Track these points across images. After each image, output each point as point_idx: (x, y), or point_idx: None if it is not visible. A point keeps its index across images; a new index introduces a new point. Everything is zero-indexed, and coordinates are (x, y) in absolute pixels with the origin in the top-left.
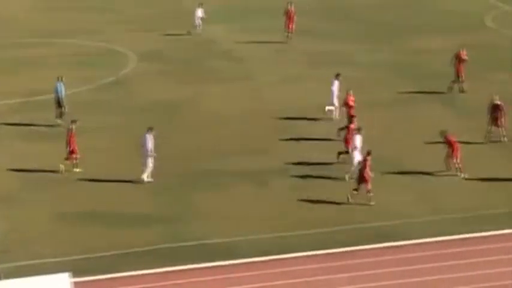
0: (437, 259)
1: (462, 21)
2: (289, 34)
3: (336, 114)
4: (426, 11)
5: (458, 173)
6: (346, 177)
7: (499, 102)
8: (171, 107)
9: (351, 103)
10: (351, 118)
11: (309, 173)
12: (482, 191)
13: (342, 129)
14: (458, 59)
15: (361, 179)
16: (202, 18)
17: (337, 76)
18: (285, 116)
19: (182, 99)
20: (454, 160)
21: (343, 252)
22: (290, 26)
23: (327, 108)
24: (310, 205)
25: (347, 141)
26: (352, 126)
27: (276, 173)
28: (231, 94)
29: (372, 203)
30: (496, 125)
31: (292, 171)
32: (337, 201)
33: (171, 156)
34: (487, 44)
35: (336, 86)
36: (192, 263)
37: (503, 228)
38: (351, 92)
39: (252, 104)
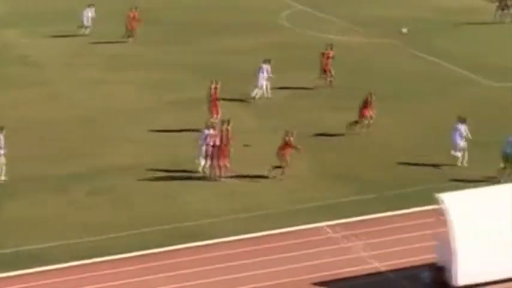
0: (244, 256)
1: (259, 21)
2: (131, 35)
3: (257, 95)
4: (225, 11)
5: (278, 174)
6: (200, 169)
7: (369, 97)
8: None
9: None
10: (214, 110)
11: (113, 176)
12: (285, 188)
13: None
14: (326, 57)
15: (220, 153)
16: (93, 18)
17: (268, 61)
18: (88, 120)
19: None
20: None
21: (154, 253)
22: (133, 28)
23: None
24: (114, 208)
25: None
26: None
27: (79, 178)
28: (30, 100)
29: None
30: (361, 116)
31: (96, 176)
32: (142, 202)
33: None
34: (283, 42)
35: (264, 70)
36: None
37: (306, 224)
38: (215, 80)
39: (53, 109)
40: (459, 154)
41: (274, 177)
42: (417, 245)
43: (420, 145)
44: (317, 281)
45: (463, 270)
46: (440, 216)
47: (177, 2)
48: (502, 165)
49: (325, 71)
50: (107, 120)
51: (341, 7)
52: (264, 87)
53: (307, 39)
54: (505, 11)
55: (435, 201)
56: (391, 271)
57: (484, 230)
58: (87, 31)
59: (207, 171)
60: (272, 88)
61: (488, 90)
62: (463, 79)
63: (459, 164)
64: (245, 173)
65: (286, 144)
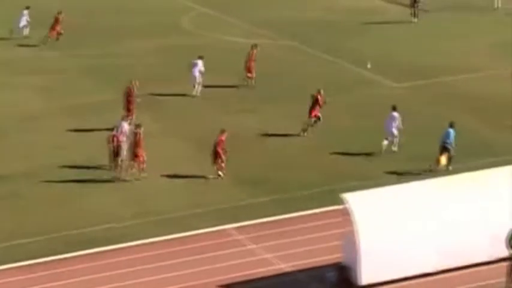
0: (151, 260)
1: (161, 24)
2: (50, 39)
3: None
4: (127, 14)
5: (220, 173)
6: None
7: (316, 94)
8: None
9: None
10: (129, 108)
11: (16, 182)
12: (191, 191)
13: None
14: (250, 57)
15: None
16: (27, 21)
17: (201, 57)
18: None
19: None
20: (219, 160)
21: (54, 260)
22: (54, 33)
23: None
24: (19, 215)
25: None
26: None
27: None
28: None
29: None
30: (309, 116)
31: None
32: (47, 208)
33: None
34: (186, 45)
35: (198, 66)
36: None
37: (212, 226)
38: (136, 82)
39: None
40: (386, 142)
41: (218, 176)
42: (323, 245)
43: (322, 146)
44: (224, 283)
45: (367, 269)
46: (345, 216)
47: (80, 5)
48: (440, 157)
49: (249, 71)
50: (7, 126)
51: (244, 9)
52: (200, 81)
53: (210, 41)
54: (416, 10)
55: (340, 201)
56: (298, 272)
57: (388, 229)
58: (27, 32)
59: (115, 171)
60: (176, 91)
61: (387, 90)
62: (364, 79)
63: (388, 148)
64: (152, 176)
65: (221, 141)
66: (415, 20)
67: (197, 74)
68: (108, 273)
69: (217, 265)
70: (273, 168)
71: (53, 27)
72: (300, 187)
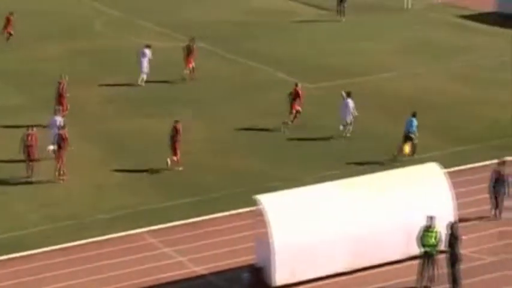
0: (62, 266)
1: (75, 28)
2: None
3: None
4: (39, 19)
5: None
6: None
7: (298, 89)
8: None
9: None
10: (61, 103)
11: None
12: (102, 195)
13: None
14: (188, 51)
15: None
16: None
17: (149, 47)
18: None
19: None
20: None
21: None
22: (8, 32)
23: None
24: None
25: None
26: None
27: None
28: None
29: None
30: (290, 111)
31: None
32: None
33: None
34: (99, 49)
35: (146, 56)
36: None
37: (125, 230)
38: (66, 77)
39: None
40: (342, 128)
41: (172, 168)
42: (238, 247)
43: (239, 147)
44: (139, 287)
45: (281, 271)
46: (258, 217)
47: None
48: (403, 146)
49: (189, 65)
50: None
51: (156, 12)
52: (147, 71)
53: (124, 44)
54: (343, 9)
55: (254, 203)
56: (212, 274)
57: (301, 230)
58: None
59: (27, 172)
60: (90, 94)
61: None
62: (278, 80)
63: (344, 134)
64: (65, 180)
65: (176, 133)
66: (343, 19)
67: (145, 63)
68: (18, 281)
69: (131, 269)
70: (188, 170)
71: (4, 28)
72: (215, 189)
